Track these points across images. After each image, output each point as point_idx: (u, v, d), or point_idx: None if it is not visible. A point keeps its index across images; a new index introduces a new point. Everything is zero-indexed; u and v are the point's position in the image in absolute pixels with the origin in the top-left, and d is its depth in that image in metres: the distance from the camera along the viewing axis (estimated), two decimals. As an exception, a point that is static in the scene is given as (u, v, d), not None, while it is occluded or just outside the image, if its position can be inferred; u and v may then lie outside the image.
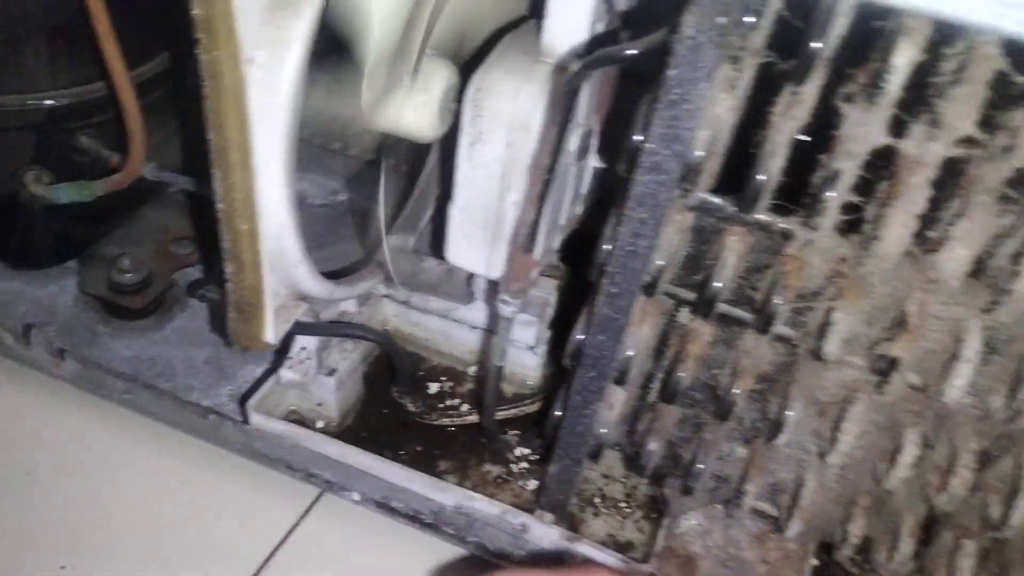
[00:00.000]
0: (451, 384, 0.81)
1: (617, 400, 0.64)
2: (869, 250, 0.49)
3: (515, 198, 0.62)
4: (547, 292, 0.75)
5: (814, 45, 0.44)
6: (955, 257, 0.47)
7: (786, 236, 0.53)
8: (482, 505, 0.66)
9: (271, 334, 0.62)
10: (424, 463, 0.75)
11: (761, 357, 0.59)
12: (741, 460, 0.64)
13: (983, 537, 0.61)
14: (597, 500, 0.75)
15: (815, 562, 0.72)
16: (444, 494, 0.67)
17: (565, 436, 0.62)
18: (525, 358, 0.80)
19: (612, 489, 0.76)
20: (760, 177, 0.49)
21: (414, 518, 0.68)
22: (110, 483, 0.74)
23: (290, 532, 0.73)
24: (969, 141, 0.45)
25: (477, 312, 0.77)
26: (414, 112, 0.64)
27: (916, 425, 0.57)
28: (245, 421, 0.70)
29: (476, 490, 0.73)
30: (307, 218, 0.91)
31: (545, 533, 0.66)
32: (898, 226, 0.47)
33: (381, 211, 0.64)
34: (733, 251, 0.54)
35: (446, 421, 0.76)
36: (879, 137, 0.48)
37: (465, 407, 0.78)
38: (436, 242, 0.69)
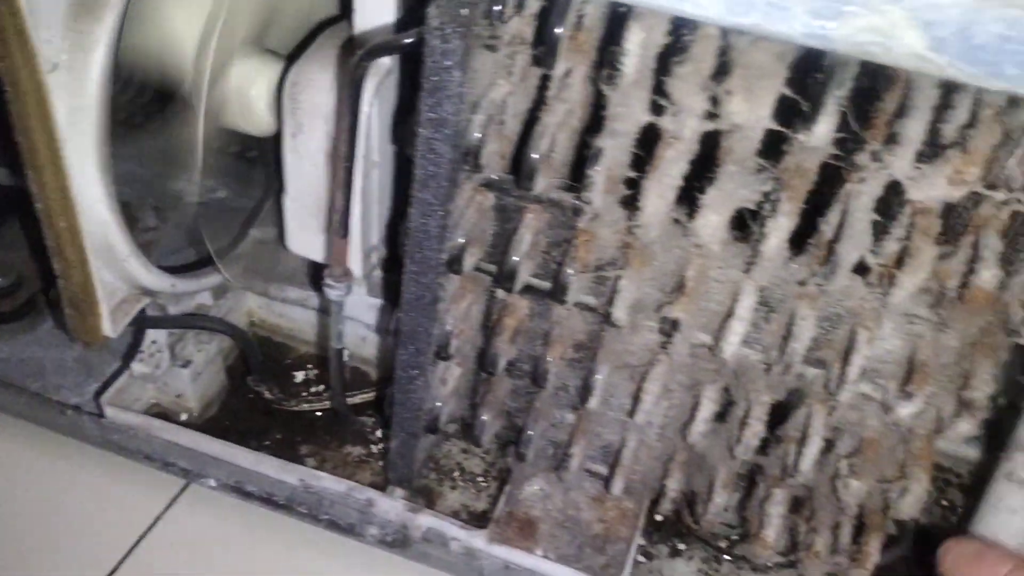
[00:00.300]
0: (316, 371, 0.84)
1: (451, 375, 0.68)
2: (635, 220, 0.53)
3: (340, 187, 0.65)
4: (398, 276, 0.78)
5: (557, 31, 0.47)
6: (708, 223, 0.51)
7: (576, 211, 0.57)
8: (328, 483, 0.69)
9: (109, 328, 0.64)
10: (286, 449, 0.78)
11: (573, 327, 0.63)
12: (570, 426, 0.68)
13: (792, 485, 0.65)
14: (456, 474, 0.78)
15: (659, 518, 0.76)
16: (291, 474, 0.70)
17: (398, 412, 0.65)
18: (387, 341, 0.83)
19: (471, 463, 0.79)
20: (532, 155, 0.52)
21: (268, 500, 0.70)
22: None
23: (154, 523, 0.75)
24: (712, 115, 0.50)
25: (332, 300, 0.80)
26: (241, 109, 0.66)
27: (714, 382, 0.61)
28: (101, 415, 0.72)
29: (336, 471, 0.76)
30: (183, 216, 0.93)
31: (391, 507, 0.69)
32: (655, 197, 0.51)
33: (201, 225, 0.67)
34: (529, 227, 0.58)
35: (306, 407, 0.78)
36: (642, 116, 0.52)
37: (328, 393, 0.81)
38: (280, 232, 0.72)
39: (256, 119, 0.68)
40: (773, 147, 0.52)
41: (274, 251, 0.82)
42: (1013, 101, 0.43)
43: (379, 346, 0.82)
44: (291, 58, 0.65)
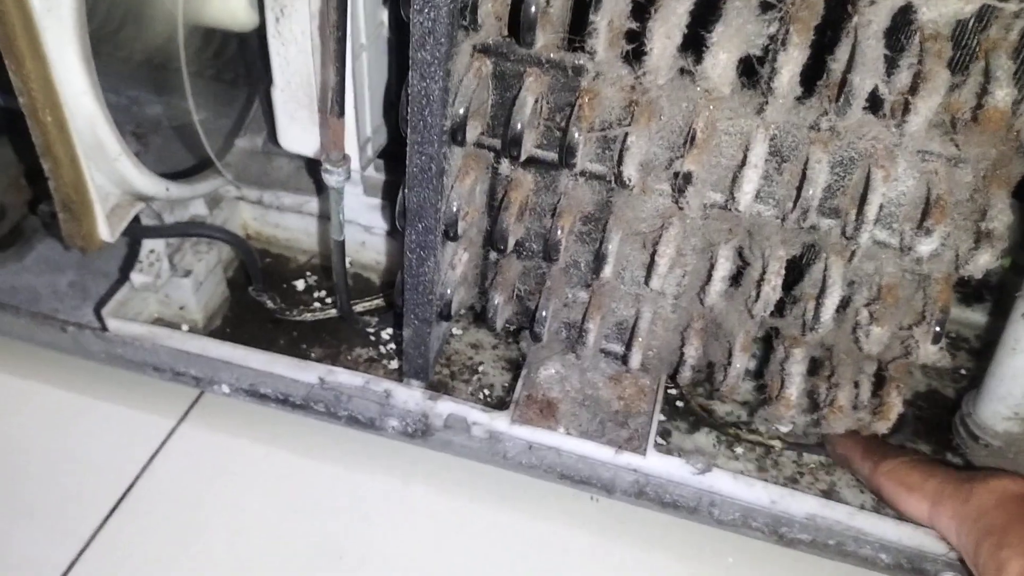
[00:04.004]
0: (315, 279, 0.82)
1: (459, 260, 0.67)
2: (642, 68, 0.51)
3: (331, 71, 0.63)
4: (393, 174, 0.77)
5: None
6: (718, 62, 0.50)
7: (578, 71, 0.56)
8: (344, 377, 0.68)
9: (105, 232, 0.62)
10: (295, 355, 0.77)
11: (580, 198, 0.62)
12: (584, 304, 0.67)
13: (811, 346, 0.65)
14: (467, 369, 0.78)
15: (680, 403, 0.76)
16: (307, 372, 0.69)
17: (410, 298, 0.64)
18: (387, 245, 0.82)
19: (481, 356, 0.79)
20: (530, 8, 0.50)
21: (284, 401, 0.70)
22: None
23: (168, 437, 0.74)
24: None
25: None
26: (221, 3, 0.64)
27: (728, 242, 0.61)
28: (104, 328, 0.71)
29: (347, 373, 0.76)
30: (165, 140, 0.91)
31: (409, 396, 0.68)
32: (662, 37, 0.50)
33: (195, 115, 0.65)
34: (531, 90, 0.56)
35: (309, 316, 0.77)
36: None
37: (331, 300, 0.80)
38: (272, 132, 0.70)
39: (236, 12, 0.65)
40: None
41: (262, 160, 0.81)
42: None
43: (387, 250, 0.81)
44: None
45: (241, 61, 0.80)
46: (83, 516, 0.68)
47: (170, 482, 0.71)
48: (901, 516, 0.64)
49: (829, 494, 0.69)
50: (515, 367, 0.77)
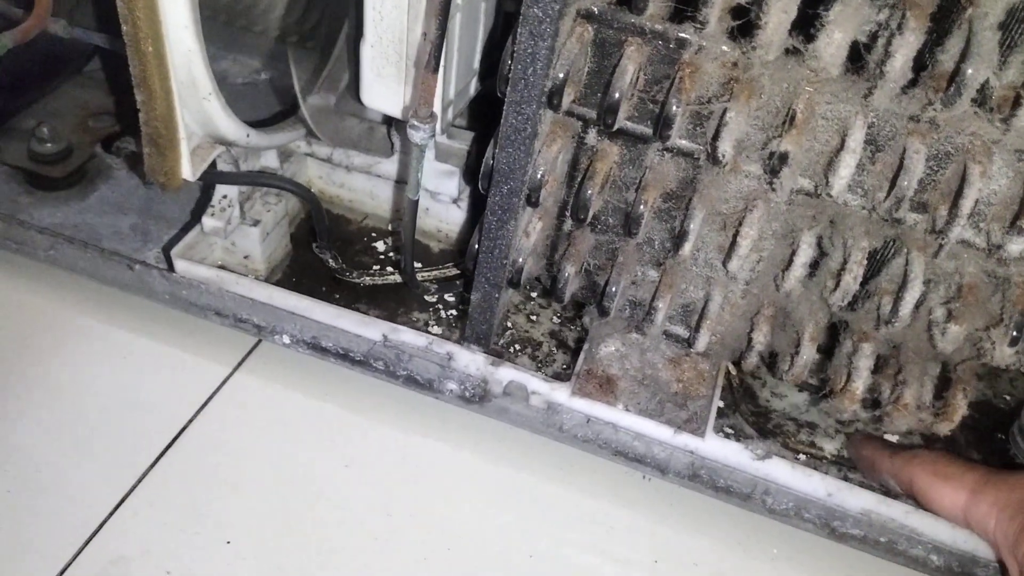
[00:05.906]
0: (378, 243, 0.82)
1: (534, 228, 0.66)
2: (755, 39, 0.51)
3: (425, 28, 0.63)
4: (466, 143, 0.77)
5: None
6: (832, 41, 0.50)
7: (681, 44, 0.55)
8: (408, 337, 0.68)
9: (188, 170, 0.62)
10: (353, 313, 0.77)
11: (665, 173, 0.62)
12: (653, 283, 0.67)
13: (879, 342, 0.65)
14: (522, 342, 0.78)
15: (737, 383, 0.76)
16: (371, 328, 0.69)
17: (483, 259, 0.64)
18: (450, 213, 0.82)
19: (537, 332, 0.79)
20: (648, -27, 0.50)
21: (344, 356, 0.70)
22: (36, 342, 0.75)
23: (223, 383, 0.74)
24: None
25: (398, 166, 0.78)
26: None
27: (811, 229, 0.61)
28: (171, 269, 0.71)
29: (403, 334, 0.76)
30: (230, 96, 0.91)
31: (471, 360, 0.68)
32: (779, 11, 0.50)
33: (296, 83, 0.65)
34: (632, 59, 0.56)
35: (368, 280, 0.77)
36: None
37: (391, 269, 0.80)
38: (354, 86, 0.70)
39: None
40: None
41: (334, 118, 0.80)
42: None
43: (443, 217, 0.81)
44: None
45: (319, 19, 0.80)
46: (136, 454, 0.68)
47: (222, 428, 0.71)
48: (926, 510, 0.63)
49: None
50: (574, 347, 0.77)
